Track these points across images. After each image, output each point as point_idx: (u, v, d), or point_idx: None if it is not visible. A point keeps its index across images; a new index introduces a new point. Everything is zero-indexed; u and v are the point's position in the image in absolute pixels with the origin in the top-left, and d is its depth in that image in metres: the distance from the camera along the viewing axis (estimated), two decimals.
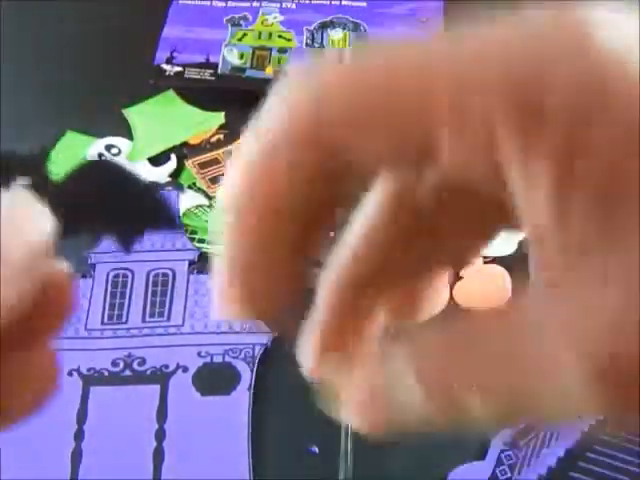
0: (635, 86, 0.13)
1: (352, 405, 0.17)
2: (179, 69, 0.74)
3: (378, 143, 0.15)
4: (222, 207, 0.16)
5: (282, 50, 0.76)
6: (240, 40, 0.77)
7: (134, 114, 0.74)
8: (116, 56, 0.79)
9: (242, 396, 0.54)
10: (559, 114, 0.13)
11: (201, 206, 0.66)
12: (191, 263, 0.61)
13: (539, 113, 0.13)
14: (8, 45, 0.82)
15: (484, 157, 0.14)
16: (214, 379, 0.55)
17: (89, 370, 0.56)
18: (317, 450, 0.53)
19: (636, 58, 0.13)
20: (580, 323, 0.13)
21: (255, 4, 0.81)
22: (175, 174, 0.69)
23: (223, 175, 0.67)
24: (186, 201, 0.66)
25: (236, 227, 0.16)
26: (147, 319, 0.58)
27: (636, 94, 0.13)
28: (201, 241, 0.64)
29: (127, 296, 0.60)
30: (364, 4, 0.81)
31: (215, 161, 0.68)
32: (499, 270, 0.61)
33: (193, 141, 0.71)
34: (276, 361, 0.56)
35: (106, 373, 0.56)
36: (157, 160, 0.70)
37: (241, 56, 0.75)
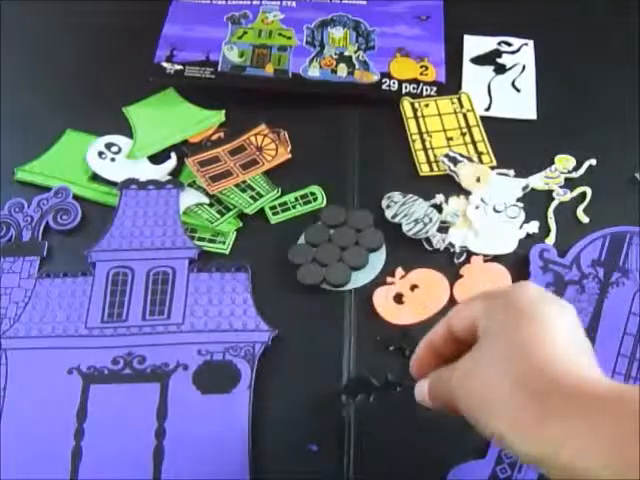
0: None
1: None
2: (179, 67, 0.74)
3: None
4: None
5: (282, 48, 0.76)
6: (240, 38, 0.77)
7: (134, 112, 0.73)
8: (116, 54, 0.79)
9: (242, 394, 0.54)
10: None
11: (201, 204, 0.66)
12: (191, 261, 0.61)
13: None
14: (8, 44, 0.82)
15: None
16: (214, 377, 0.55)
17: (89, 368, 0.56)
18: (317, 449, 0.53)
19: None
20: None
21: (255, 2, 0.81)
22: (175, 172, 0.69)
23: (223, 173, 0.67)
24: (186, 199, 0.66)
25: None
26: (147, 317, 0.58)
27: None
28: (201, 239, 0.64)
29: (127, 294, 0.60)
30: (364, 2, 0.81)
31: (215, 159, 0.68)
32: (499, 268, 0.61)
33: (193, 139, 0.71)
34: (276, 359, 0.56)
35: (106, 371, 0.56)
36: (157, 158, 0.70)
37: (241, 54, 0.75)
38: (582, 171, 0.68)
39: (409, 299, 0.59)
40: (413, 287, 0.59)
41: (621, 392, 0.34)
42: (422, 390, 0.43)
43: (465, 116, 0.72)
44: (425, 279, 0.60)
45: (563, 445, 0.33)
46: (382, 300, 0.59)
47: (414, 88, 0.74)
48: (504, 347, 0.37)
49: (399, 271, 0.60)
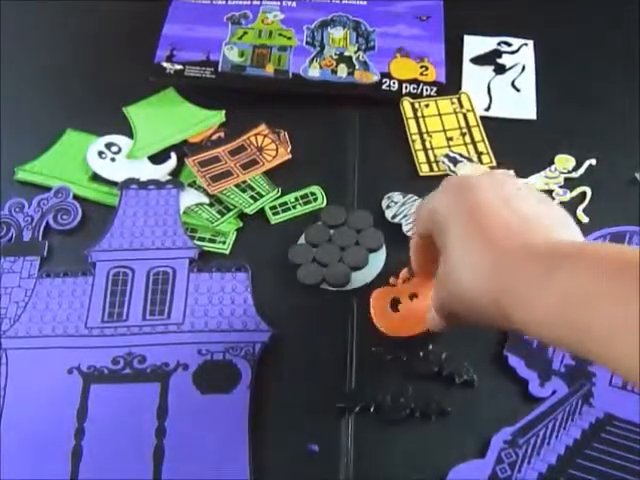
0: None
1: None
2: (179, 67, 0.74)
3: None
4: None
5: (282, 48, 0.76)
6: (240, 38, 0.77)
7: (134, 112, 0.74)
8: (116, 54, 0.79)
9: (242, 394, 0.54)
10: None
11: (201, 204, 0.66)
12: (191, 261, 0.61)
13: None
14: (8, 44, 0.82)
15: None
16: (214, 377, 0.55)
17: (89, 368, 0.56)
18: (317, 449, 0.53)
19: None
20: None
21: (255, 2, 0.81)
22: (175, 172, 0.69)
23: (223, 173, 0.67)
24: (186, 199, 0.66)
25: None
26: (147, 317, 0.58)
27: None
28: (201, 239, 0.64)
29: (127, 294, 0.60)
30: (364, 2, 0.81)
31: (215, 159, 0.68)
32: None
33: (193, 139, 0.71)
34: (276, 359, 0.56)
35: (106, 371, 0.56)
36: (157, 158, 0.70)
37: (241, 54, 0.75)
38: (582, 171, 0.68)
39: (405, 308, 0.57)
40: (412, 296, 0.58)
41: (579, 249, 0.36)
42: (431, 314, 0.49)
43: (465, 116, 0.72)
44: (425, 290, 0.56)
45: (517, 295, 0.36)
46: (378, 303, 0.57)
47: (414, 88, 0.74)
48: (462, 234, 0.41)
49: (404, 273, 0.59)
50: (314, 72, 0.74)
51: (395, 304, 0.58)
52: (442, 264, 0.43)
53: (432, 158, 0.69)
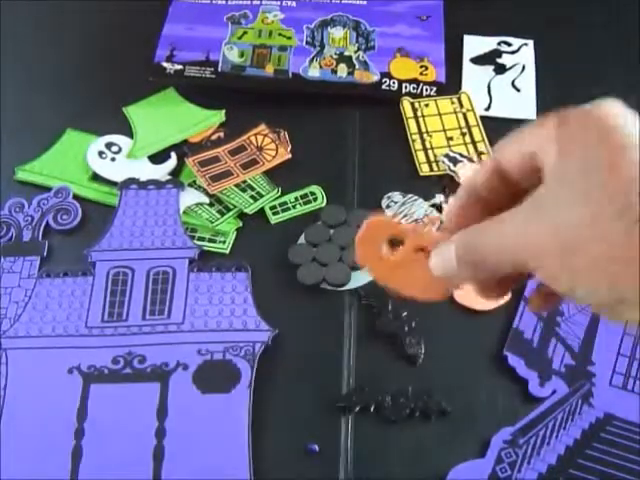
0: None
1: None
2: (179, 67, 0.74)
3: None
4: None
5: (282, 48, 0.76)
6: (240, 38, 0.77)
7: (134, 112, 0.74)
8: (116, 54, 0.79)
9: (242, 394, 0.54)
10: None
11: (201, 204, 0.66)
12: (191, 261, 0.61)
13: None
14: (8, 44, 0.82)
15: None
16: (214, 377, 0.55)
17: (89, 368, 0.56)
18: (317, 449, 0.53)
19: None
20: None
21: (255, 2, 0.81)
22: (175, 172, 0.69)
23: (223, 173, 0.67)
24: (186, 199, 0.66)
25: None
26: (147, 317, 0.58)
27: None
28: (201, 239, 0.64)
29: (127, 294, 0.60)
30: (364, 2, 0.81)
31: (215, 159, 0.68)
32: None
33: (193, 139, 0.71)
34: (276, 359, 0.56)
35: (106, 371, 0.56)
36: (157, 158, 0.70)
37: (241, 54, 0.75)
38: None
39: (406, 254, 0.36)
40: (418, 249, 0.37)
41: None
42: (448, 255, 0.33)
43: (465, 116, 0.72)
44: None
45: None
46: (371, 234, 0.37)
47: (414, 88, 0.74)
48: (584, 178, 0.29)
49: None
50: (314, 72, 0.74)
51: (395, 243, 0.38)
52: (553, 185, 0.30)
53: (432, 158, 0.69)
